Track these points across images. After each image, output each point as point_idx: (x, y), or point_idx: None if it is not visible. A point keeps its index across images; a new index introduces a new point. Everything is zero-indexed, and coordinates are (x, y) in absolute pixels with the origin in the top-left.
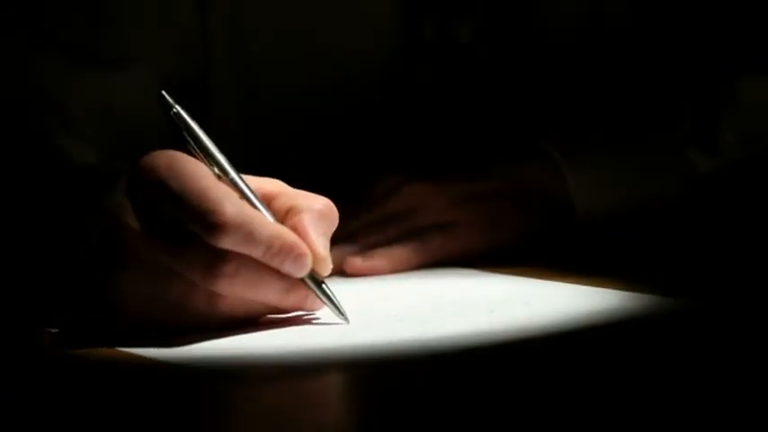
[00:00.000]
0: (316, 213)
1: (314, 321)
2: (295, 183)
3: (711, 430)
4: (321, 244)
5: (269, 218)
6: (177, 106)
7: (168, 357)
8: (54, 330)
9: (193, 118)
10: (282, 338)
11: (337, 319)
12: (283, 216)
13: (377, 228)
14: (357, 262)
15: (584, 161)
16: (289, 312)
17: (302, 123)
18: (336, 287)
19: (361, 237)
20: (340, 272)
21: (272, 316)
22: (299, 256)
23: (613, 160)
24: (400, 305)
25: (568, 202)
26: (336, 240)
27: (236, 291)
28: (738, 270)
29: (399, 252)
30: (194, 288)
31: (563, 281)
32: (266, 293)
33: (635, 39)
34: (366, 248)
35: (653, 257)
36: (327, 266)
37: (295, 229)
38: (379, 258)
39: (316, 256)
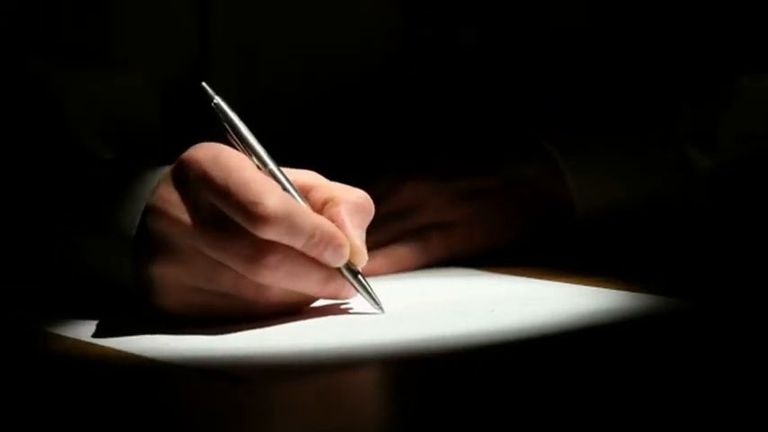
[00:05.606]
0: (352, 205)
1: (309, 318)
2: None
3: (711, 430)
4: (357, 235)
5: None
6: (217, 97)
7: (168, 357)
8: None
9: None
10: (279, 339)
11: (372, 309)
12: (320, 207)
13: (376, 227)
14: None
15: (584, 161)
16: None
17: (302, 124)
18: None
19: None
20: None
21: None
22: (338, 247)
23: (613, 159)
24: (400, 305)
25: (568, 201)
26: None
27: (279, 281)
28: (738, 270)
29: (400, 252)
30: (243, 278)
31: (563, 281)
32: (306, 283)
33: (635, 38)
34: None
35: (653, 257)
36: (363, 257)
37: (333, 221)
38: (380, 258)
39: (353, 248)
